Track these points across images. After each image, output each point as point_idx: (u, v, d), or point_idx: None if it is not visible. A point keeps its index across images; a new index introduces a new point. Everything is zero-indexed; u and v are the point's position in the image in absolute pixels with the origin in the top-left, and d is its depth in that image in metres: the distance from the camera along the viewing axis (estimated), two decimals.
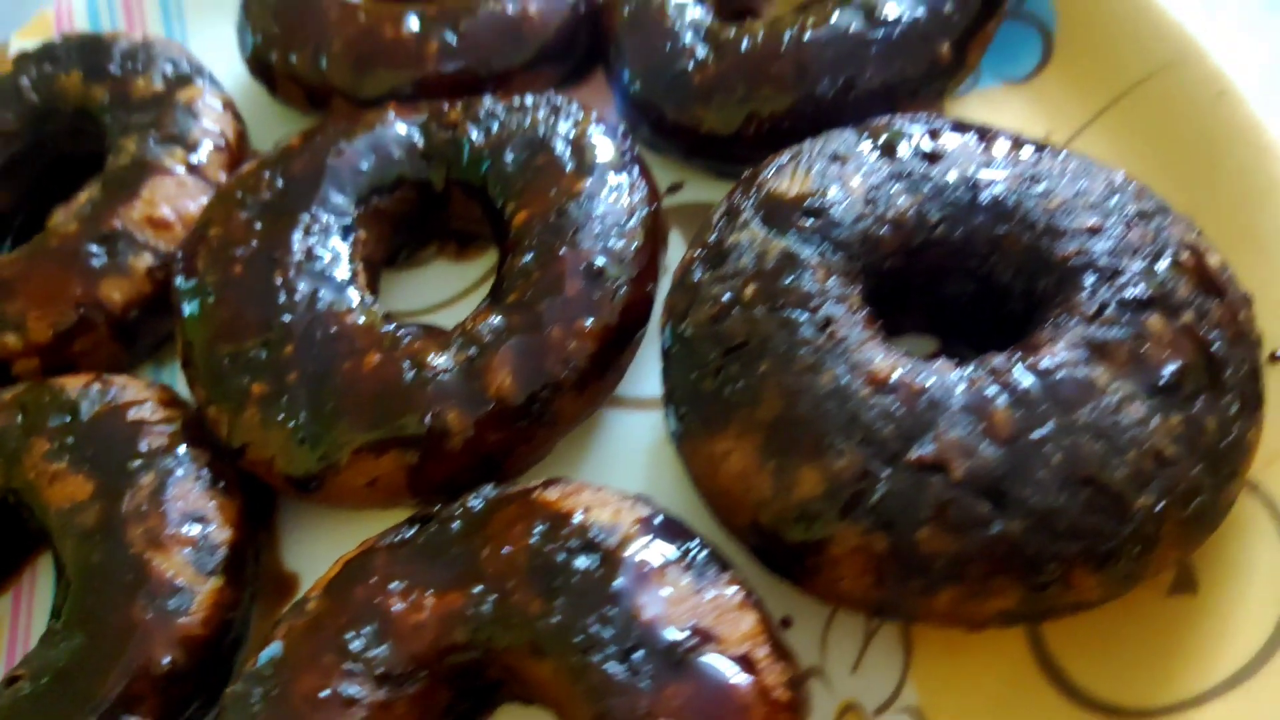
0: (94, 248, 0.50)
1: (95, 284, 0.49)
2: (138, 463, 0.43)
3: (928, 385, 0.36)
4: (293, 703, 0.35)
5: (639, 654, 0.34)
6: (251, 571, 0.43)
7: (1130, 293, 0.37)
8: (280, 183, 0.49)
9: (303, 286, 0.45)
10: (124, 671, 0.38)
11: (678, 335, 0.41)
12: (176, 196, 0.52)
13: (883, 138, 0.43)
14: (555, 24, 0.56)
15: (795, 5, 0.55)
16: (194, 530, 0.41)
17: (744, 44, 0.51)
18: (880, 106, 0.49)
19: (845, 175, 0.42)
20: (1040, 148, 0.43)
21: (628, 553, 0.36)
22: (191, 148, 0.53)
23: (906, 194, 0.41)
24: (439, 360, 0.42)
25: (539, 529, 0.37)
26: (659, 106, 0.52)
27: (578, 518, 0.37)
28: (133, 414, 0.45)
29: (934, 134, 0.43)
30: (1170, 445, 0.35)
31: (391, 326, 0.44)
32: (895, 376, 0.37)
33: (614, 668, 0.34)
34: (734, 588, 0.36)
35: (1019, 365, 0.36)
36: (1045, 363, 0.36)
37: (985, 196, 0.41)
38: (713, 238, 0.42)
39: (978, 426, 0.35)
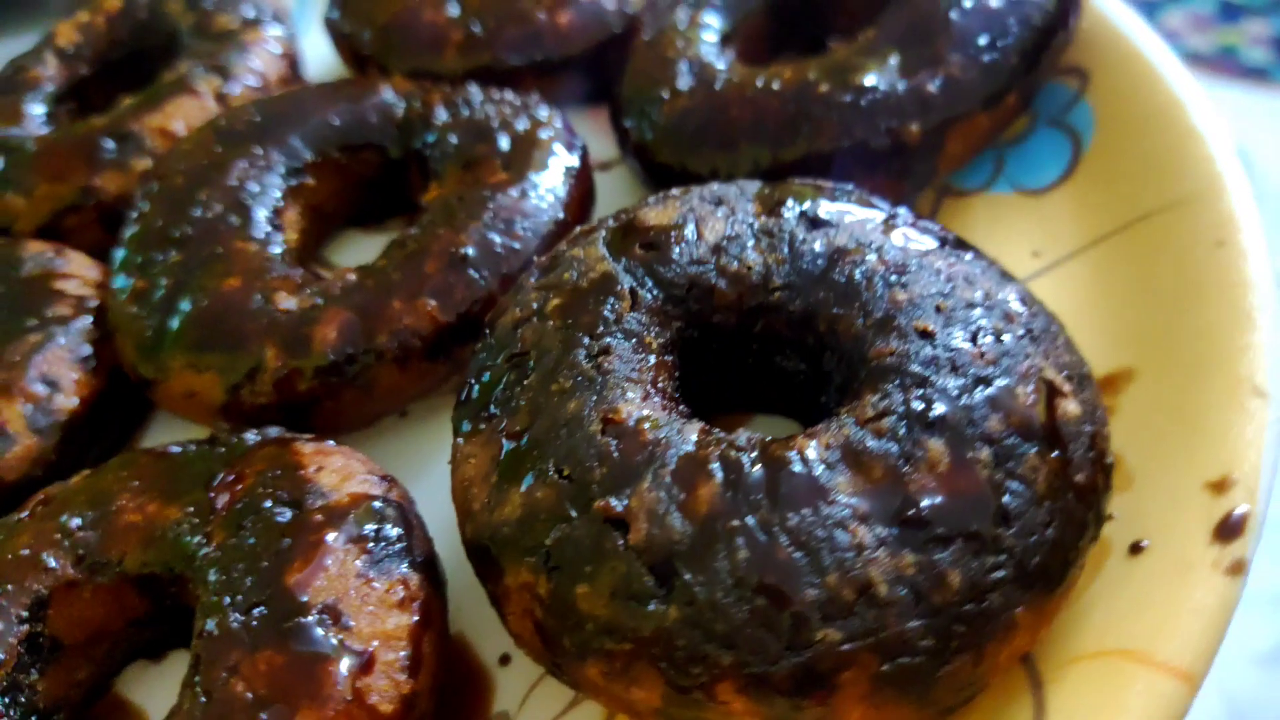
0: (109, 143, 0.55)
1: (97, 172, 0.55)
2: (34, 322, 0.47)
3: (657, 438, 0.33)
4: (3, 554, 0.37)
5: (259, 610, 0.33)
6: (89, 443, 0.46)
7: (922, 407, 0.32)
8: (257, 118, 0.52)
9: (218, 208, 0.48)
10: None
11: (487, 332, 0.40)
12: (193, 117, 0.57)
13: (777, 194, 0.40)
14: (581, 37, 0.57)
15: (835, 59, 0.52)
16: (42, 390, 0.45)
17: (716, 84, 0.49)
18: (846, 176, 0.45)
19: (706, 218, 0.39)
20: (949, 244, 0.38)
21: (318, 518, 0.35)
22: (227, 79, 0.58)
23: (762, 252, 0.38)
24: (287, 301, 0.44)
25: (271, 473, 0.37)
26: (629, 129, 0.51)
27: (306, 472, 0.37)
28: (59, 284, 0.49)
29: (840, 203, 0.40)
30: (887, 585, 0.29)
31: (269, 259, 0.46)
32: (631, 420, 0.34)
33: (235, 617, 0.33)
34: (400, 588, 0.34)
35: (757, 448, 0.32)
36: (787, 453, 0.32)
37: (838, 273, 0.37)
38: (562, 248, 0.41)
39: (679, 494, 0.31)
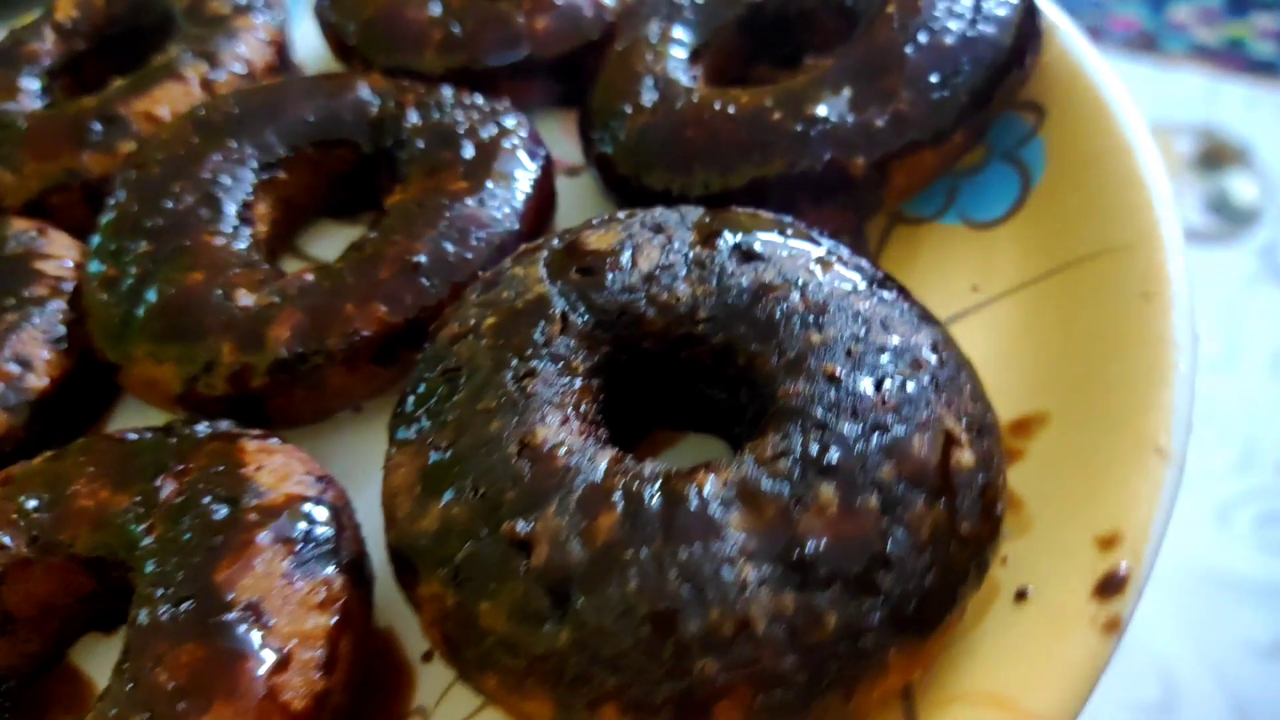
0: (96, 125, 0.57)
1: (83, 152, 0.57)
2: (11, 301, 0.49)
3: (569, 464, 0.35)
4: None
5: (186, 604, 0.35)
6: (58, 421, 0.48)
7: (818, 451, 0.34)
8: (235, 110, 0.54)
9: (188, 200, 0.50)
10: None
11: (428, 343, 0.41)
12: (179, 102, 0.58)
13: (716, 224, 0.42)
14: (557, 43, 0.58)
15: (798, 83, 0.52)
16: (13, 369, 0.47)
17: (677, 103, 0.50)
18: (793, 203, 0.47)
19: (644, 246, 0.41)
20: (875, 283, 0.39)
21: (251, 517, 0.37)
22: (214, 66, 0.60)
23: (692, 283, 0.39)
24: (246, 298, 0.45)
25: (214, 469, 0.39)
26: (593, 140, 0.52)
27: (246, 470, 0.39)
28: (39, 264, 0.51)
29: (776, 235, 0.41)
30: (765, 622, 0.31)
31: (234, 255, 0.48)
32: (546, 446, 0.35)
33: (164, 609, 0.35)
34: (322, 589, 0.36)
35: (660, 480, 0.34)
36: (685, 488, 0.33)
37: (760, 310, 0.38)
38: (506, 264, 0.42)
39: (581, 521, 0.33)
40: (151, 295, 0.46)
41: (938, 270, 0.49)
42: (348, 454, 0.47)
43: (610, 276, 0.40)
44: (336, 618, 0.36)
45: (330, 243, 0.57)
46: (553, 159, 0.53)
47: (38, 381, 0.47)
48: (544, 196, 0.50)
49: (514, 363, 0.38)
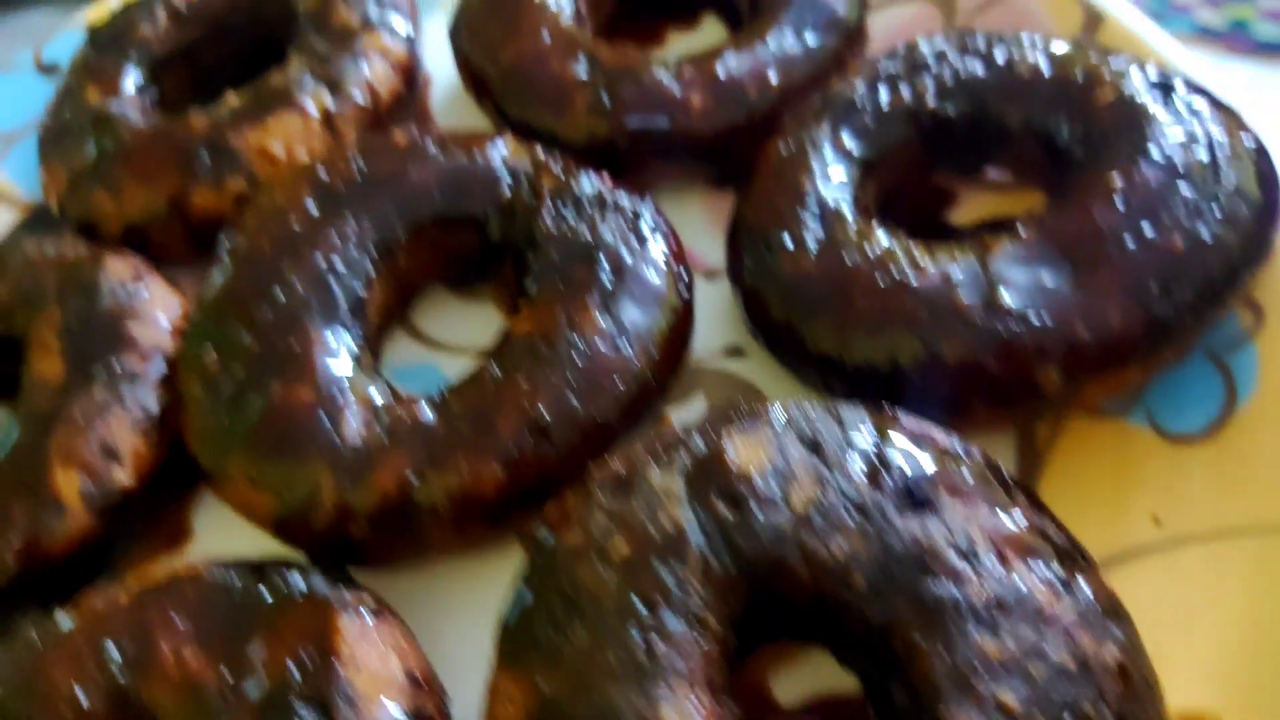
0: (205, 153, 0.53)
1: (189, 186, 0.52)
2: (104, 375, 0.46)
3: None
4: (35, 685, 0.38)
5: None
6: (140, 518, 0.46)
7: None
8: (357, 176, 0.49)
9: (300, 289, 0.45)
10: None
11: (543, 546, 0.37)
12: (296, 137, 0.53)
13: (881, 450, 0.37)
14: (713, 122, 0.52)
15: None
16: (100, 462, 0.44)
17: (845, 255, 0.44)
18: (963, 397, 0.41)
19: (798, 473, 0.36)
20: (1066, 561, 0.35)
21: None
22: (336, 94, 0.54)
23: (850, 535, 0.35)
24: (352, 427, 0.42)
25: (304, 654, 0.37)
26: (743, 268, 0.47)
27: (339, 661, 0.36)
28: (133, 327, 0.48)
29: (951, 472, 0.36)
30: None
31: (346, 371, 0.44)
32: None
33: None
34: None
35: None
36: None
37: (926, 590, 0.34)
38: (642, 461, 0.38)
39: None
40: (254, 407, 0.43)
41: (1114, 485, 0.43)
42: (443, 593, 0.44)
43: (759, 514, 0.35)
44: None
45: (444, 319, 0.53)
46: (694, 279, 0.47)
47: (125, 478, 0.45)
48: (683, 335, 0.45)
49: (643, 614, 0.34)
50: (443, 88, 0.63)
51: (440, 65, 0.63)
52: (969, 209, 0.53)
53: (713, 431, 0.38)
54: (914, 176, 0.51)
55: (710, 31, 0.63)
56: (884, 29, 0.59)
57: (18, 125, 0.64)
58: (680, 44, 0.63)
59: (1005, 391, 0.41)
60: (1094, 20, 0.54)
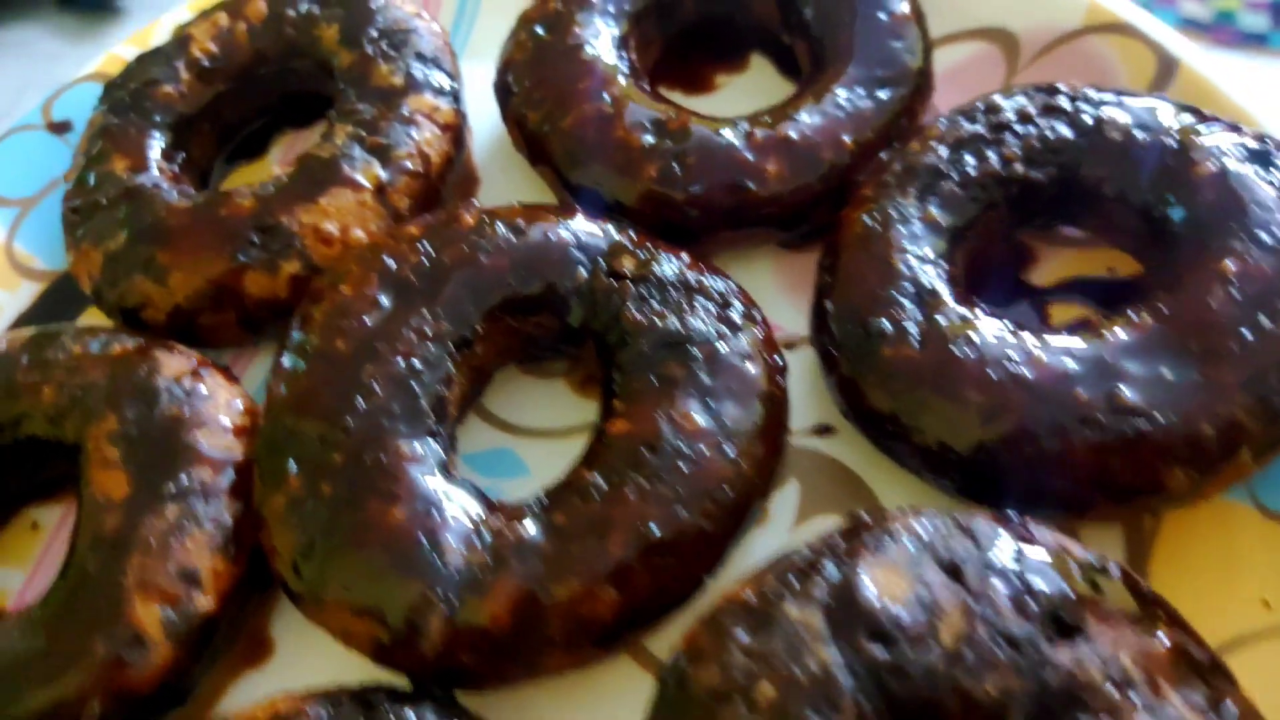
0: (255, 236, 0.50)
1: (240, 272, 0.49)
2: (173, 490, 0.44)
3: None
4: None
5: None
6: (221, 639, 0.44)
7: None
8: (426, 263, 0.46)
9: (381, 394, 0.43)
10: (51, 698, 0.40)
11: (679, 675, 0.36)
12: (350, 215, 0.50)
13: (1027, 578, 0.35)
14: (789, 190, 0.50)
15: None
16: (181, 590, 0.42)
17: (950, 343, 0.42)
18: (1084, 493, 0.41)
19: (946, 608, 0.35)
20: (1207, 688, 0.34)
21: None
22: (387, 165, 0.52)
23: (1003, 674, 0.34)
24: (453, 546, 0.40)
25: None
26: (836, 352, 0.45)
27: None
28: (198, 438, 0.45)
29: (1092, 608, 0.35)
30: None
31: (438, 483, 0.42)
32: None
33: None
34: None
35: None
36: None
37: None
38: (775, 591, 0.37)
39: None
40: (347, 530, 0.41)
41: (1219, 567, 0.43)
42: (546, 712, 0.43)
43: (910, 653, 0.34)
44: None
45: (514, 399, 0.51)
46: (786, 365, 0.46)
47: (206, 603, 0.42)
48: (782, 427, 0.44)
49: None
50: (483, 139, 0.60)
51: (478, 114, 0.60)
52: (1049, 268, 0.52)
53: (846, 556, 0.37)
54: (997, 239, 0.50)
55: (759, 72, 0.61)
56: (944, 70, 0.57)
57: (32, 191, 0.60)
58: (731, 90, 0.60)
59: (1130, 491, 0.40)
60: (1168, 68, 0.53)
